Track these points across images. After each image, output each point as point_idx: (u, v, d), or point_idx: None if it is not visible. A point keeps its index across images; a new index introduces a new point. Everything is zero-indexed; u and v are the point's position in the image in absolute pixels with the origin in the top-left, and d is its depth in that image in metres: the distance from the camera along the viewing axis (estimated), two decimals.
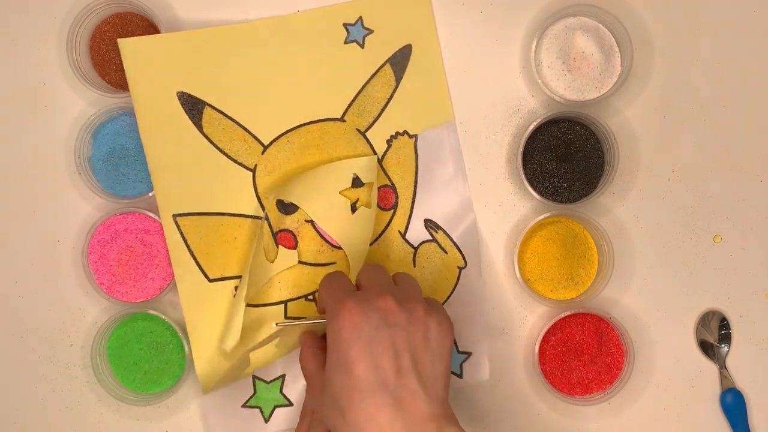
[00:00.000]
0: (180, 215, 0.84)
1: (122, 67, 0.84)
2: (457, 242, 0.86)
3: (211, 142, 0.84)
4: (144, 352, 0.85)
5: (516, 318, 0.86)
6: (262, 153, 0.85)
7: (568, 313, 0.84)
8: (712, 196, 0.86)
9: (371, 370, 0.65)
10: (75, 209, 0.86)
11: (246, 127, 0.85)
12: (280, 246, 0.84)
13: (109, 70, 0.85)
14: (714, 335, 0.86)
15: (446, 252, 0.86)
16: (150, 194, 0.83)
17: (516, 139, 0.86)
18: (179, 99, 0.84)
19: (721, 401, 0.86)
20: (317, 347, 0.75)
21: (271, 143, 0.85)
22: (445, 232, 0.86)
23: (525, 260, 0.85)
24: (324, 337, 0.75)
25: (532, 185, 0.84)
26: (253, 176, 0.85)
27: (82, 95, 0.85)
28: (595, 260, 0.85)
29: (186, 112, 0.84)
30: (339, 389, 0.66)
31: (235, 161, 0.85)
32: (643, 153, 0.86)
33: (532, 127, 0.83)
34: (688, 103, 0.86)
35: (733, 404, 0.86)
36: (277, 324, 0.77)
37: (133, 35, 0.84)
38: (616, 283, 0.86)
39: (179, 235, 0.84)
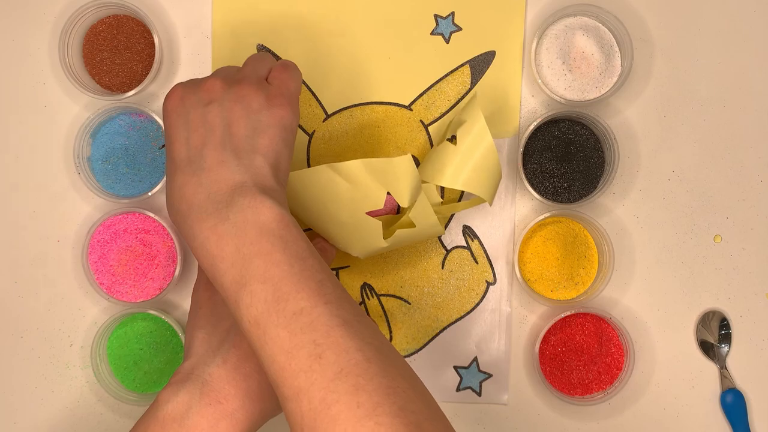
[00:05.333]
0: None
1: (114, 69, 0.84)
2: (490, 257, 0.86)
3: None
4: (144, 352, 0.85)
5: (516, 318, 0.86)
6: (323, 121, 0.86)
7: (568, 313, 0.84)
8: (712, 196, 0.86)
9: (183, 148, 0.67)
10: (75, 209, 0.86)
11: (314, 92, 0.86)
12: None
13: (101, 72, 0.85)
14: (714, 335, 0.86)
15: (477, 263, 0.86)
16: (150, 194, 0.83)
17: (516, 139, 0.86)
18: (257, 51, 0.85)
19: (721, 401, 0.86)
20: None
21: (334, 113, 0.86)
22: (480, 243, 0.86)
23: (525, 260, 0.85)
24: None
25: (532, 185, 0.84)
26: (309, 141, 0.86)
27: (79, 96, 0.85)
28: (595, 260, 0.85)
29: None
30: (166, 166, 0.69)
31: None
32: (643, 153, 0.86)
33: (532, 127, 0.83)
34: (688, 103, 0.86)
35: (733, 404, 0.86)
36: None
37: (126, 38, 0.85)
38: (616, 283, 0.86)
39: None
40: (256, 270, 0.62)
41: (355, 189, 0.76)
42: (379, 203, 0.76)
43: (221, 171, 0.65)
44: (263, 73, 0.71)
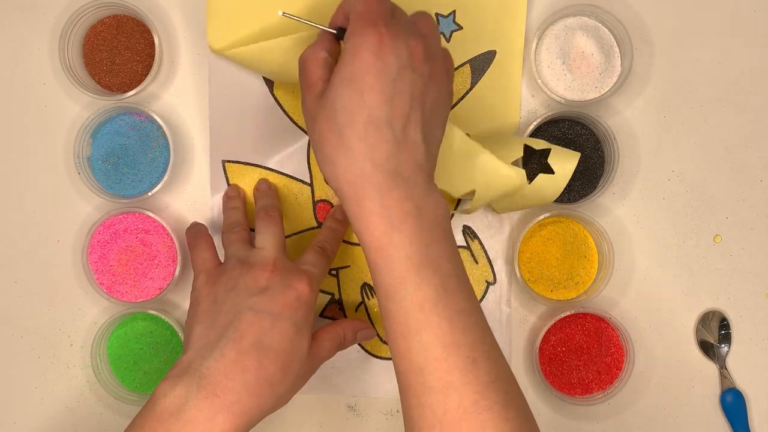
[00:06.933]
0: (229, 161, 0.85)
1: (114, 69, 0.84)
2: (490, 257, 0.86)
3: (278, 103, 0.85)
4: (144, 352, 0.85)
5: (516, 318, 0.86)
6: None
7: (568, 313, 0.84)
8: (712, 196, 0.86)
9: (384, 104, 0.63)
10: (75, 209, 0.86)
11: None
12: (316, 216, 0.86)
13: (101, 72, 0.85)
14: (714, 335, 0.86)
15: (477, 262, 0.86)
16: (150, 194, 0.83)
17: None
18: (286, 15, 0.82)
19: (721, 401, 0.86)
20: (332, 51, 0.68)
21: None
22: (480, 243, 0.86)
23: (525, 260, 0.85)
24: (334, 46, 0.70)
25: None
26: (309, 143, 0.85)
27: (79, 96, 0.85)
28: (595, 260, 0.85)
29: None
30: (342, 107, 0.63)
31: (296, 125, 0.85)
32: (643, 153, 0.86)
33: (532, 127, 0.83)
34: (688, 103, 0.86)
35: (733, 404, 0.86)
36: (283, 13, 0.73)
37: (126, 38, 0.85)
38: (616, 283, 0.86)
39: (224, 180, 0.85)
40: (431, 256, 0.62)
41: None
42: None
43: (415, 151, 0.64)
44: (442, 47, 0.70)
